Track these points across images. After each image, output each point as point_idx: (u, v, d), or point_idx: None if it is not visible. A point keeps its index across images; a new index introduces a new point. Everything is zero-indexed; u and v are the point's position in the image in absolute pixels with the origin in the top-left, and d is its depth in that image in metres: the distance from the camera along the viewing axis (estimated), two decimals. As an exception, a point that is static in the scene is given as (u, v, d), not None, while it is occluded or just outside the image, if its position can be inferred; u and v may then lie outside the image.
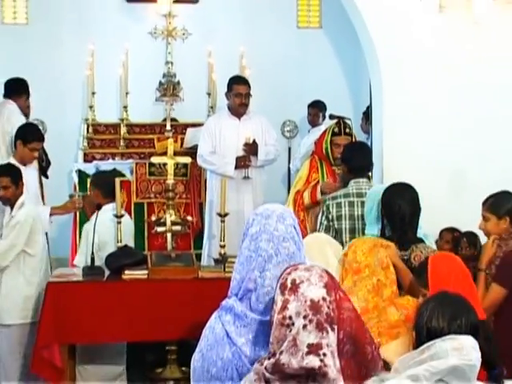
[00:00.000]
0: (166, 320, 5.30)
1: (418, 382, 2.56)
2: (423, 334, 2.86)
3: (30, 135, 7.05)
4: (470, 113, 6.91)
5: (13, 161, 6.87)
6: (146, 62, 9.64)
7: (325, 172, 6.74)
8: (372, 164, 6.20)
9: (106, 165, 8.48)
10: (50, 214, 6.49)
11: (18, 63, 9.71)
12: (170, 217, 6.27)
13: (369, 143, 7.89)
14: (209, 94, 9.72)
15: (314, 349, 2.39)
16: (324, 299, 2.47)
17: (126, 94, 9.54)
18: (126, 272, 5.57)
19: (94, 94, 9.51)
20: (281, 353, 2.44)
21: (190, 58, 9.52)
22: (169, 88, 9.45)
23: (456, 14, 6.87)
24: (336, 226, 5.56)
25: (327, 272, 2.60)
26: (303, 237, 5.75)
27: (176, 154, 6.81)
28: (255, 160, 7.50)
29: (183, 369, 6.11)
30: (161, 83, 9.48)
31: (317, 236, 5.04)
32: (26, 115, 9.11)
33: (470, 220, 5.28)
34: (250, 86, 7.77)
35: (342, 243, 5.04)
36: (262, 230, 3.00)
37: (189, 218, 7.04)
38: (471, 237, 5.69)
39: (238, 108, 7.59)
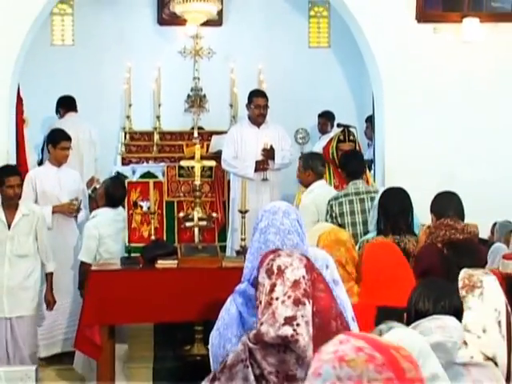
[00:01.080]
0: (193, 303, 5.30)
1: None
2: (412, 315, 2.88)
3: (57, 137, 7.03)
4: (460, 123, 6.91)
5: (48, 164, 6.84)
6: (176, 78, 9.63)
7: (331, 173, 6.76)
8: (365, 167, 6.27)
9: (141, 168, 8.51)
10: (53, 212, 6.50)
11: (65, 80, 9.75)
12: (197, 213, 6.27)
13: (371, 149, 7.89)
14: (231, 106, 9.72)
15: (289, 321, 2.43)
16: (303, 277, 2.54)
17: (159, 105, 9.57)
18: (159, 261, 5.56)
19: (130, 105, 9.54)
20: (261, 324, 2.48)
21: (215, 74, 9.51)
22: (196, 100, 9.44)
23: (448, 34, 6.87)
24: (339, 221, 5.74)
25: (305, 256, 2.66)
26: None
27: (202, 158, 6.79)
28: (272, 164, 7.48)
29: (208, 347, 6.10)
30: (189, 96, 9.47)
31: (323, 225, 5.18)
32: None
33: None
34: (267, 99, 7.77)
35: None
36: (269, 224, 3.07)
37: (213, 214, 7.02)
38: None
39: (257, 118, 7.59)
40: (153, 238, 6.05)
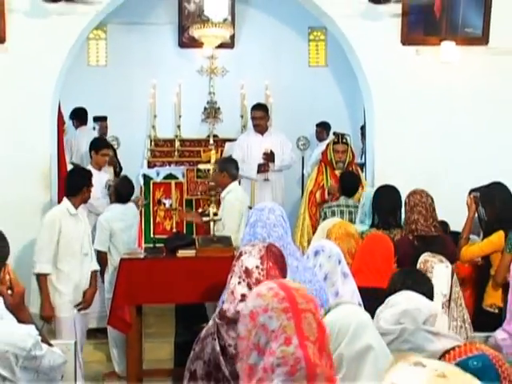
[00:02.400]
0: (209, 287, 5.27)
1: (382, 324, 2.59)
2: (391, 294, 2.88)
3: (99, 144, 7.06)
4: (441, 131, 6.91)
5: (90, 167, 6.84)
6: (194, 93, 9.64)
7: (328, 175, 6.77)
8: (358, 187, 6.31)
9: (164, 170, 8.51)
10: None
11: (99, 95, 9.81)
12: (212, 209, 6.25)
13: (363, 155, 7.88)
14: (241, 116, 9.74)
15: (245, 298, 2.44)
16: (257, 267, 2.56)
17: (179, 116, 9.59)
18: (180, 251, 5.56)
19: (155, 116, 9.56)
20: (223, 302, 2.56)
21: (228, 89, 9.51)
22: (211, 112, 9.44)
23: (428, 55, 6.87)
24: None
25: (267, 248, 2.65)
26: (314, 225, 5.82)
27: (217, 162, 6.80)
28: (272, 166, 7.51)
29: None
30: (205, 108, 9.48)
31: (333, 219, 5.19)
32: (105, 134, 9.25)
33: (442, 212, 5.26)
34: (265, 111, 7.79)
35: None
36: (257, 219, 3.15)
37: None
38: (442, 224, 5.65)
39: (255, 127, 7.66)
40: (174, 230, 6.07)
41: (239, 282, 2.52)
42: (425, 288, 2.99)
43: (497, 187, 5.16)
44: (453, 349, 1.70)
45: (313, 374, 1.61)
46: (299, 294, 1.74)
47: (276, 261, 2.63)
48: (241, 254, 2.61)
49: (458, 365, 1.61)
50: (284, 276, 2.63)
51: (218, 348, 2.49)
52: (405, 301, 2.69)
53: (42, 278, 5.25)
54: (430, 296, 2.98)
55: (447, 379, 1.20)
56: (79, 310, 5.36)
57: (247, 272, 2.53)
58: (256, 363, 1.66)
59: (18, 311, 2.53)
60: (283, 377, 1.61)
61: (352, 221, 5.75)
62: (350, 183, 6.10)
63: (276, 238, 3.14)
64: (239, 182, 6.68)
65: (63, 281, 5.32)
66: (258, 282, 2.47)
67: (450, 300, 3.48)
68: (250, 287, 2.48)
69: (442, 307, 3.43)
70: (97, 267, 5.65)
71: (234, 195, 6.15)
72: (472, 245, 5.08)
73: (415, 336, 2.60)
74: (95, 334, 6.27)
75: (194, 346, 2.61)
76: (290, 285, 1.79)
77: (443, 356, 1.72)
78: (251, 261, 2.56)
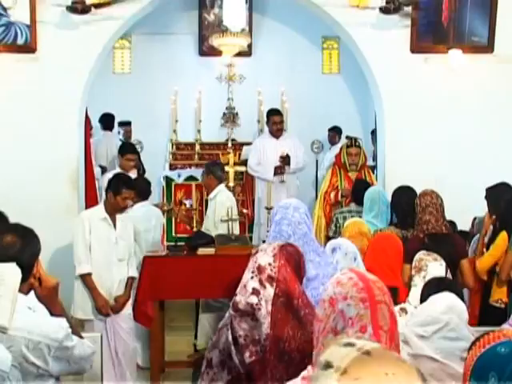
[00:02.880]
0: (227, 283, 5.25)
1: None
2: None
3: (124, 149, 7.10)
4: (448, 135, 6.87)
5: (118, 169, 6.86)
6: (214, 99, 9.66)
7: (342, 177, 6.76)
8: None
9: (185, 172, 8.55)
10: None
11: (124, 101, 9.86)
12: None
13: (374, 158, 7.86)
14: (258, 121, 9.74)
15: (255, 292, 2.50)
16: (269, 264, 2.57)
17: (200, 121, 9.61)
18: (200, 249, 5.57)
19: (176, 121, 9.59)
20: (236, 295, 2.57)
21: (245, 95, 9.52)
22: (230, 117, 9.45)
23: (436, 63, 6.83)
24: (340, 230, 5.72)
25: (281, 247, 2.66)
26: (328, 223, 5.82)
27: (235, 164, 6.83)
28: (288, 168, 7.51)
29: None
30: (224, 114, 9.49)
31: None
32: (129, 138, 9.31)
33: (449, 211, 5.23)
34: (282, 116, 7.79)
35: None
36: (283, 217, 3.13)
37: (244, 210, 7.06)
38: (450, 224, 5.62)
39: (275, 132, 7.64)
40: (195, 230, 6.07)
41: (252, 277, 2.55)
42: (457, 291, 3.05)
43: (503, 188, 5.12)
44: (482, 336, 1.72)
45: None
46: (376, 286, 1.77)
47: (289, 259, 2.64)
48: (257, 252, 2.64)
49: (487, 351, 1.65)
50: (298, 273, 2.65)
51: (230, 338, 2.52)
52: (449, 298, 2.75)
53: (85, 278, 5.11)
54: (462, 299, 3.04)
55: (371, 356, 1.24)
56: (107, 315, 5.12)
57: (259, 268, 2.56)
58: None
59: (51, 304, 2.56)
60: None
61: None
62: (361, 191, 6.05)
63: (301, 235, 3.14)
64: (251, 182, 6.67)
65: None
66: (270, 277, 2.52)
67: None
68: (261, 283, 2.51)
69: None
70: (135, 274, 5.36)
71: (224, 196, 6.14)
72: (482, 256, 4.97)
73: (459, 327, 2.66)
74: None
75: (211, 336, 2.65)
76: (368, 276, 1.82)
77: (473, 344, 1.74)
78: (265, 258, 2.58)
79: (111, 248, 5.18)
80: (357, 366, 1.22)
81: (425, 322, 2.81)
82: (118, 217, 5.26)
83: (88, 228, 5.15)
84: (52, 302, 2.56)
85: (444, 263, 3.68)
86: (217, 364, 2.57)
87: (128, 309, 5.26)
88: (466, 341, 2.57)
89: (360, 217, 5.60)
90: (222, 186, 6.28)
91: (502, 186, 5.16)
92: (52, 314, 2.54)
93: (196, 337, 6.08)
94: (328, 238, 5.48)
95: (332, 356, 1.27)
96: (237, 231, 5.96)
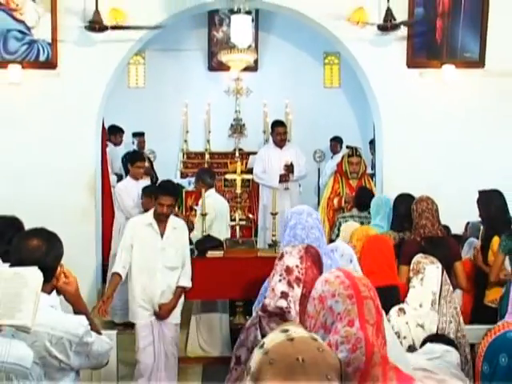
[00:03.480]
0: (235, 285, 5.29)
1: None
2: None
3: (134, 158, 7.07)
4: (442, 145, 6.89)
5: (129, 178, 6.80)
6: (222, 111, 9.71)
7: (344, 184, 6.77)
8: (370, 203, 6.32)
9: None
10: None
11: (138, 113, 9.90)
12: (238, 215, 6.30)
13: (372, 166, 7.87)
14: (264, 132, 9.75)
15: (284, 295, 2.48)
16: (297, 266, 2.55)
17: (209, 132, 9.66)
18: (209, 252, 5.56)
19: (187, 132, 9.65)
20: (265, 297, 2.56)
21: (252, 108, 9.57)
22: (237, 128, 9.52)
23: (431, 77, 6.86)
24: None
25: (306, 249, 2.65)
26: (331, 227, 5.84)
27: (242, 172, 6.82)
28: (292, 176, 7.50)
29: (247, 317, 6.10)
30: (232, 125, 9.57)
31: (351, 223, 5.37)
32: (143, 148, 9.33)
33: (443, 216, 5.24)
34: (285, 127, 7.78)
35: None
36: (297, 222, 3.13)
37: (250, 215, 7.07)
38: (444, 228, 5.63)
39: (279, 142, 7.59)
40: (204, 234, 6.09)
41: (280, 280, 2.54)
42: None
43: (494, 194, 5.12)
44: (498, 326, 1.77)
45: (370, 352, 1.69)
46: (361, 282, 1.81)
47: (314, 260, 2.65)
48: (282, 255, 2.62)
49: (497, 338, 1.71)
50: (321, 273, 2.67)
51: (259, 337, 2.52)
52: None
53: (112, 275, 4.91)
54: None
55: (292, 342, 1.31)
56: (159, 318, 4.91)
57: (288, 270, 2.55)
58: (322, 339, 1.73)
59: (76, 303, 2.59)
60: (346, 353, 1.68)
61: None
62: (364, 198, 6.07)
63: (313, 239, 3.15)
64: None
65: (135, 287, 4.92)
66: (298, 279, 2.51)
67: (440, 297, 3.49)
68: (289, 284, 2.51)
69: (432, 305, 3.45)
70: (186, 284, 5.01)
71: (212, 199, 6.05)
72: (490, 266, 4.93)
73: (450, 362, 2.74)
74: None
75: (240, 334, 2.65)
76: (353, 274, 1.86)
77: (485, 335, 1.81)
78: (292, 260, 2.57)
79: (156, 254, 4.89)
80: (277, 348, 1.29)
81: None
82: (171, 224, 4.95)
83: (131, 233, 4.94)
84: (77, 301, 2.59)
85: (440, 266, 3.69)
86: (246, 361, 2.53)
87: (174, 318, 4.96)
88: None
89: (362, 222, 5.62)
90: (211, 191, 6.17)
91: (494, 192, 5.16)
92: (76, 312, 2.57)
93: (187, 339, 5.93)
94: (331, 242, 5.51)
95: (268, 338, 1.35)
96: (224, 232, 5.96)
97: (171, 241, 4.93)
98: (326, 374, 1.25)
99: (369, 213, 5.75)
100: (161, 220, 4.92)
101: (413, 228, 4.79)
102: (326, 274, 1.91)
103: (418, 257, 3.79)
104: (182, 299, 5.03)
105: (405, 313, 3.33)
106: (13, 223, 3.79)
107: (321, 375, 1.24)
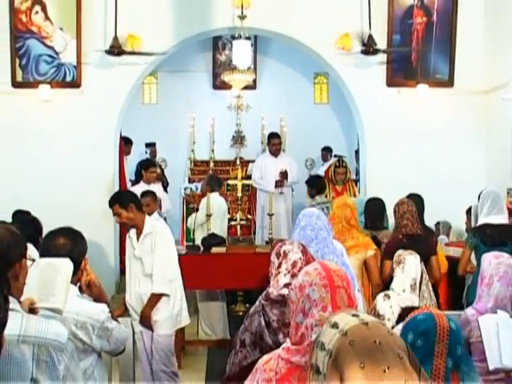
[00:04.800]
0: (237, 277, 5.30)
1: None
2: None
3: (147, 164, 7.09)
4: (417, 154, 6.93)
5: (142, 183, 6.82)
6: (225, 124, 9.73)
7: (330, 189, 6.79)
8: (325, 187, 6.51)
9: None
10: None
11: (152, 127, 9.90)
12: (239, 216, 6.34)
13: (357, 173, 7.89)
14: (262, 143, 9.72)
15: (286, 286, 2.51)
16: (300, 259, 2.60)
17: (213, 142, 9.63)
18: (213, 248, 5.58)
19: (194, 143, 9.62)
20: (269, 286, 2.58)
21: (251, 121, 9.58)
22: (238, 139, 9.53)
23: (408, 95, 6.90)
24: None
25: (302, 244, 2.71)
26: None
27: (242, 178, 6.85)
28: (286, 182, 7.54)
29: (247, 305, 6.15)
30: (233, 136, 9.57)
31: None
32: (154, 156, 9.35)
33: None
34: (280, 138, 7.82)
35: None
36: (307, 223, 3.14)
37: (249, 216, 7.09)
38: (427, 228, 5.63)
39: (275, 152, 7.63)
40: (209, 232, 6.12)
41: (285, 274, 2.57)
42: None
43: (411, 199, 5.11)
44: (413, 310, 1.82)
45: None
46: (336, 274, 1.85)
47: (308, 253, 2.72)
48: (285, 253, 2.64)
49: (411, 319, 1.75)
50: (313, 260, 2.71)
51: (263, 323, 2.55)
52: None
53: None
54: None
55: (367, 326, 1.30)
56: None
57: (294, 264, 2.59)
58: (301, 322, 1.80)
59: (99, 297, 2.62)
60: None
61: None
62: (319, 184, 6.32)
63: (321, 239, 3.16)
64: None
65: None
66: (301, 268, 2.53)
67: (421, 283, 3.52)
68: (294, 275, 2.53)
69: (413, 289, 3.49)
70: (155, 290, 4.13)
71: (211, 201, 5.97)
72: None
73: None
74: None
75: (244, 320, 2.66)
76: (330, 267, 1.90)
77: (407, 315, 1.85)
78: (296, 255, 2.62)
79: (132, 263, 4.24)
80: (354, 330, 1.29)
81: None
82: (145, 230, 4.13)
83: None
84: (100, 296, 2.62)
85: (418, 257, 3.74)
86: (249, 344, 2.59)
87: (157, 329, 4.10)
88: None
89: (321, 208, 5.67)
90: (212, 194, 6.10)
91: (413, 196, 5.14)
92: (97, 301, 2.59)
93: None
94: None
95: (340, 320, 1.33)
96: (216, 228, 5.96)
97: (144, 247, 4.11)
98: (398, 353, 1.25)
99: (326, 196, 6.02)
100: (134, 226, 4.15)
101: (395, 227, 4.82)
102: (307, 267, 1.95)
103: (399, 251, 3.84)
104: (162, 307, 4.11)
105: (389, 298, 3.37)
106: (32, 221, 3.81)
107: (394, 355, 1.24)
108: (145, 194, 5.44)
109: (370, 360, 1.21)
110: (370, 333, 1.27)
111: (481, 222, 4.58)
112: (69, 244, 2.52)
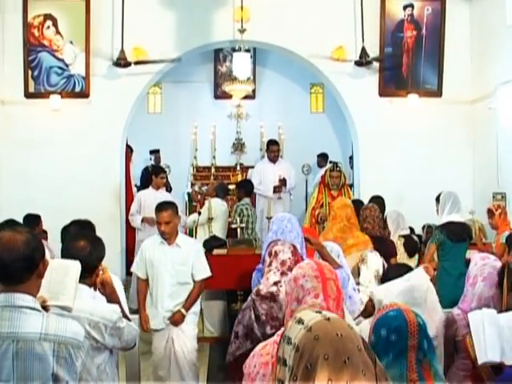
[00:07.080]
0: (237, 277, 5.30)
1: None
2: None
3: (158, 170, 7.11)
4: (408, 160, 6.96)
5: (151, 188, 6.73)
6: (226, 132, 9.74)
7: (326, 194, 6.78)
8: (252, 190, 6.67)
9: (203, 189, 8.57)
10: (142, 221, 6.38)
11: (156, 135, 9.92)
12: (239, 219, 6.34)
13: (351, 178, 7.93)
14: (260, 149, 9.72)
15: (276, 283, 2.60)
16: (290, 259, 2.68)
17: (214, 149, 9.60)
18: (215, 250, 5.59)
19: (196, 149, 9.57)
20: (259, 284, 2.67)
21: (250, 129, 9.61)
22: (238, 146, 9.57)
23: (399, 105, 6.94)
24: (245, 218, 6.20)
25: (293, 245, 2.78)
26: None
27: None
28: (284, 188, 7.54)
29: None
30: (234, 143, 9.61)
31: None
32: (159, 162, 9.36)
33: (409, 218, 5.36)
34: (278, 145, 7.84)
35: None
36: (278, 227, 3.21)
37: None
38: (409, 228, 5.64)
39: (273, 158, 7.64)
40: (211, 234, 6.15)
41: (274, 272, 2.65)
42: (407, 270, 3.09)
43: (375, 201, 5.13)
44: (383, 307, 1.86)
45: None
46: (326, 268, 1.96)
47: (298, 253, 2.79)
48: (276, 253, 2.71)
49: (382, 316, 1.80)
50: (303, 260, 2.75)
51: (253, 316, 2.62)
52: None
53: None
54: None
55: (330, 321, 1.34)
56: None
57: (283, 263, 2.67)
58: (295, 309, 1.87)
59: (112, 297, 2.63)
60: None
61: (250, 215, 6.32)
62: (247, 186, 6.45)
63: (291, 239, 3.22)
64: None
65: None
66: (290, 268, 2.62)
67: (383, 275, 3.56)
68: (283, 273, 2.62)
69: (376, 279, 3.57)
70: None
71: (212, 203, 6.11)
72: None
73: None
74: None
75: (238, 315, 2.74)
76: (321, 262, 2.04)
77: (376, 313, 1.88)
78: (286, 255, 2.70)
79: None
80: (319, 326, 1.32)
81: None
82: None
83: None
84: (113, 296, 2.64)
85: (378, 253, 3.80)
86: (242, 335, 2.67)
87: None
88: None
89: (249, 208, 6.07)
90: (214, 199, 6.18)
91: (376, 199, 5.34)
92: (110, 301, 2.61)
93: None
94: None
95: (305, 316, 1.38)
96: (216, 230, 5.99)
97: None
98: (357, 345, 1.28)
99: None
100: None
101: (359, 229, 4.86)
102: (301, 263, 2.04)
103: (362, 252, 3.90)
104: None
105: (359, 291, 3.42)
106: (89, 223, 3.82)
107: (354, 346, 1.27)
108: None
109: (333, 351, 1.26)
110: (332, 327, 1.31)
111: (444, 220, 4.68)
112: (88, 248, 2.55)
